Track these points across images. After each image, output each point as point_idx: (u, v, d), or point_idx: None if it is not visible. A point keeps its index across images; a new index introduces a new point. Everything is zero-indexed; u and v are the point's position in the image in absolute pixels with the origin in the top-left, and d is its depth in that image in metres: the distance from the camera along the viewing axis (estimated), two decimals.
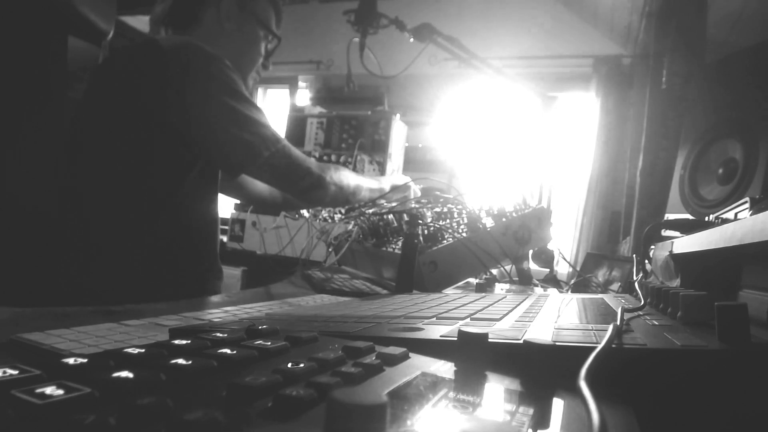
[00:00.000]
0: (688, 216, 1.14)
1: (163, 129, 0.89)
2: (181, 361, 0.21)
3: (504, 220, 1.02)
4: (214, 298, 0.90)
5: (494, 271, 1.09)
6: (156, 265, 0.92)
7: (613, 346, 0.30)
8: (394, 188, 1.24)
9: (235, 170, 0.95)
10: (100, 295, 0.64)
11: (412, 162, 2.67)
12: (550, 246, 1.22)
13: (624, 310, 0.39)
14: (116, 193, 0.89)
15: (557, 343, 0.30)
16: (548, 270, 1.35)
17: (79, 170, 0.89)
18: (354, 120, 2.42)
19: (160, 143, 0.90)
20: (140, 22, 2.47)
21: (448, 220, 1.06)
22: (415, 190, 1.32)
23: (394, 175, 1.35)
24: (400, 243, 0.99)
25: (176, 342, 0.25)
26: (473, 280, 1.07)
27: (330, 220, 1.46)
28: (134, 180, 0.90)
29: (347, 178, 1.10)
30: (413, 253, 0.85)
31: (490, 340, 0.27)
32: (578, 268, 1.46)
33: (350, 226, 1.13)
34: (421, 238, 0.95)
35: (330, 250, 1.13)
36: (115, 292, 0.67)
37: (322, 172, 1.03)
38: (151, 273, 0.91)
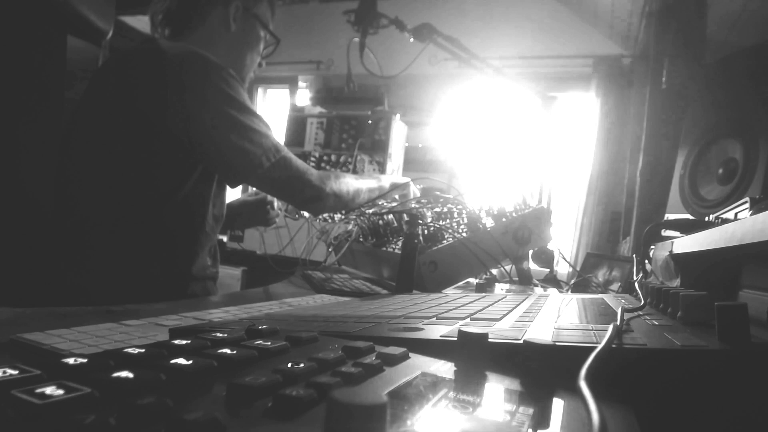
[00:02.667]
0: (688, 216, 1.14)
1: (163, 134, 0.89)
2: (181, 361, 0.21)
3: (504, 220, 1.02)
4: (214, 298, 0.90)
5: (494, 271, 1.09)
6: (152, 266, 0.92)
7: (613, 346, 0.30)
8: (394, 186, 1.24)
9: (236, 179, 0.97)
10: (99, 296, 0.64)
11: (412, 162, 2.67)
12: (550, 246, 1.22)
13: (624, 310, 0.39)
14: (114, 194, 0.89)
15: (557, 343, 0.30)
16: (548, 270, 1.35)
17: (76, 170, 0.89)
18: (354, 120, 2.42)
19: (159, 147, 0.90)
20: (140, 22, 2.47)
21: (448, 220, 1.06)
22: (415, 190, 1.32)
23: (394, 174, 1.36)
24: (400, 243, 0.99)
25: (176, 342, 0.25)
26: (473, 280, 1.07)
27: (330, 220, 1.46)
28: (132, 182, 0.89)
29: (347, 185, 1.09)
30: (413, 253, 0.85)
31: (490, 340, 0.27)
32: (578, 268, 1.45)
33: (350, 226, 1.13)
34: (421, 238, 0.95)
35: (330, 250, 1.13)
36: (114, 292, 0.67)
37: (322, 183, 1.03)
38: (147, 274, 0.91)
